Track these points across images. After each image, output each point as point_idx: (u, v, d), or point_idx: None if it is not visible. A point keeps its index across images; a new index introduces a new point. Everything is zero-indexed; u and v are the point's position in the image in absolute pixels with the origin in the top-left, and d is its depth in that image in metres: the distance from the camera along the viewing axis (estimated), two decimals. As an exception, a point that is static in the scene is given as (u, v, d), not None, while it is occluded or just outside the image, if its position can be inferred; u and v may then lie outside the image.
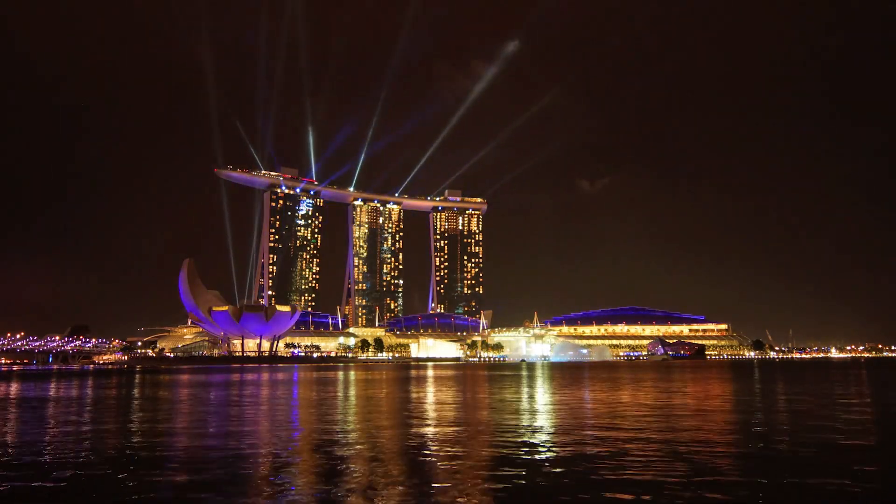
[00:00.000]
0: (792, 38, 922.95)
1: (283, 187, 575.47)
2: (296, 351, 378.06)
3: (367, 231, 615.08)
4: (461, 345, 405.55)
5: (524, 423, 33.17)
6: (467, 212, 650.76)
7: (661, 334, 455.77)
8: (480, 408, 42.65)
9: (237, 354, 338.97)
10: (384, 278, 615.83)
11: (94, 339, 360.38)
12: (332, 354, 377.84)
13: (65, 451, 24.75)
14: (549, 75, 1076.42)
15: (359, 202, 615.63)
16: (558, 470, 19.96)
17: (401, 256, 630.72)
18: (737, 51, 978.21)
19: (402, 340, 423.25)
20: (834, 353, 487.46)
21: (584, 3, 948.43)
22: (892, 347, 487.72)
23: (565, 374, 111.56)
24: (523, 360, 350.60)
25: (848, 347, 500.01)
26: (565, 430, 29.95)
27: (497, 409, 41.12)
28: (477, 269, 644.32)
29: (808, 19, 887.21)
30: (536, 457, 22.42)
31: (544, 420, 35.00)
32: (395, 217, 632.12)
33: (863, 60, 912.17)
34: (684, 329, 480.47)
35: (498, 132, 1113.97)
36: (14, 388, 77.74)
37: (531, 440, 26.56)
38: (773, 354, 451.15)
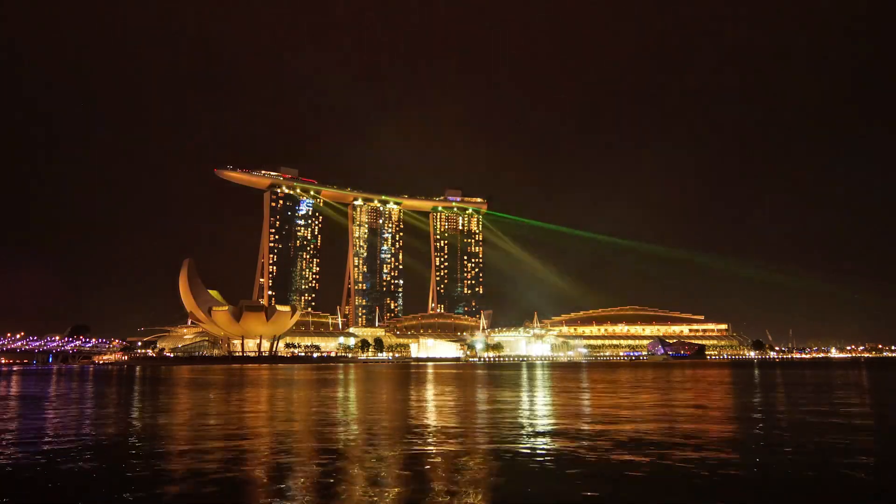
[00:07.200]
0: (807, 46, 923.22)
1: (284, 187, 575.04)
2: (296, 351, 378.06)
3: (367, 231, 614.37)
4: (461, 345, 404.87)
5: (525, 439, 33.16)
6: (467, 212, 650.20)
7: (661, 334, 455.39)
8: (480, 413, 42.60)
9: (237, 354, 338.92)
10: (384, 278, 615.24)
11: (94, 339, 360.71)
12: (332, 354, 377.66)
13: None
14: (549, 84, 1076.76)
15: (359, 202, 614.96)
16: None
17: (401, 256, 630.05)
18: (749, 57, 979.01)
19: (402, 340, 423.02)
20: (834, 353, 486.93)
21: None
22: (892, 347, 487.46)
23: (566, 375, 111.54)
24: (523, 361, 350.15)
25: (848, 347, 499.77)
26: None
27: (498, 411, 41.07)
28: (477, 269, 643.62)
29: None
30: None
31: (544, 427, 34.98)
32: (395, 217, 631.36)
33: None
34: (684, 329, 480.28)
35: (498, 132, 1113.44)
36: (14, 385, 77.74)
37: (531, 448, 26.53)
38: (773, 354, 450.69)
